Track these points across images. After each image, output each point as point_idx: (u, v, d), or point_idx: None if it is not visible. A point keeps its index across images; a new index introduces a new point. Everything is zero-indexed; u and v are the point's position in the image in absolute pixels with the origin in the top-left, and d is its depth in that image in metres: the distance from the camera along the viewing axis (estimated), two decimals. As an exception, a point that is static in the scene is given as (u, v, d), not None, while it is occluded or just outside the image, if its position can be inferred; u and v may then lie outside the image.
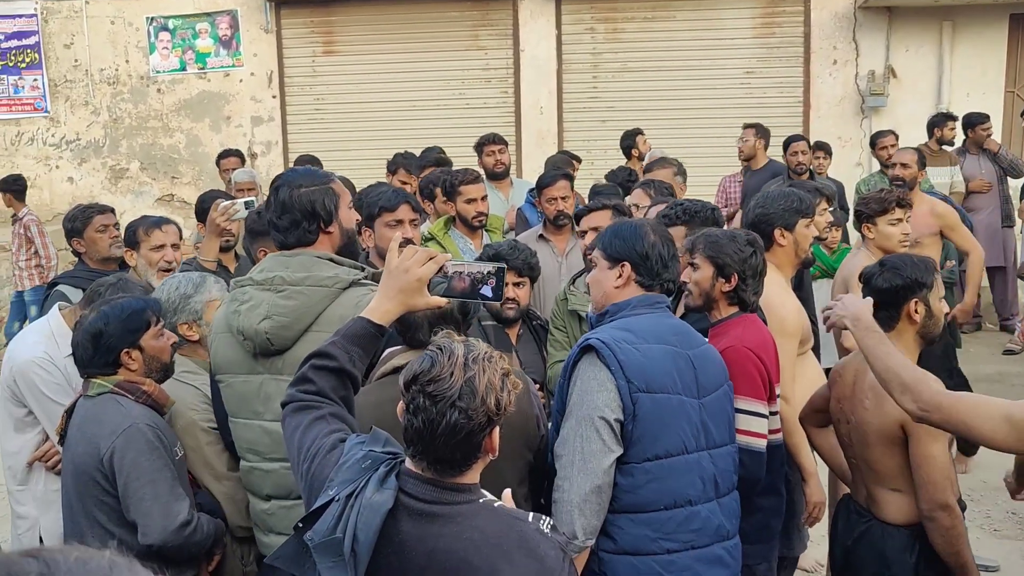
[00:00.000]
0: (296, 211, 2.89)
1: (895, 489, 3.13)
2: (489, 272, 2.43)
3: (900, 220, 4.48)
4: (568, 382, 2.81)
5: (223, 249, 4.80)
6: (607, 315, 2.93)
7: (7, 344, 9.18)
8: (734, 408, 3.05)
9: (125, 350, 3.08)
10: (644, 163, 7.59)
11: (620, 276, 2.93)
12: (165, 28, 11.75)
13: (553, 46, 11.38)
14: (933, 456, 2.96)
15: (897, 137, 8.73)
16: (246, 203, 4.44)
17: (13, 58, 11.82)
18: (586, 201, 6.12)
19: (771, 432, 3.30)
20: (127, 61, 11.84)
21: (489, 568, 1.93)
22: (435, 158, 7.51)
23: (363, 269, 2.94)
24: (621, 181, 6.94)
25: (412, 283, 2.39)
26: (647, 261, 2.90)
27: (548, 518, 2.07)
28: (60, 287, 4.44)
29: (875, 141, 8.94)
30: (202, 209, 5.15)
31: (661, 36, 11.27)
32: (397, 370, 2.75)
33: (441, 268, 2.43)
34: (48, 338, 3.76)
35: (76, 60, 11.85)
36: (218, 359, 3.04)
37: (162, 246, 4.38)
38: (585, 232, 4.30)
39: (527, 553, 1.95)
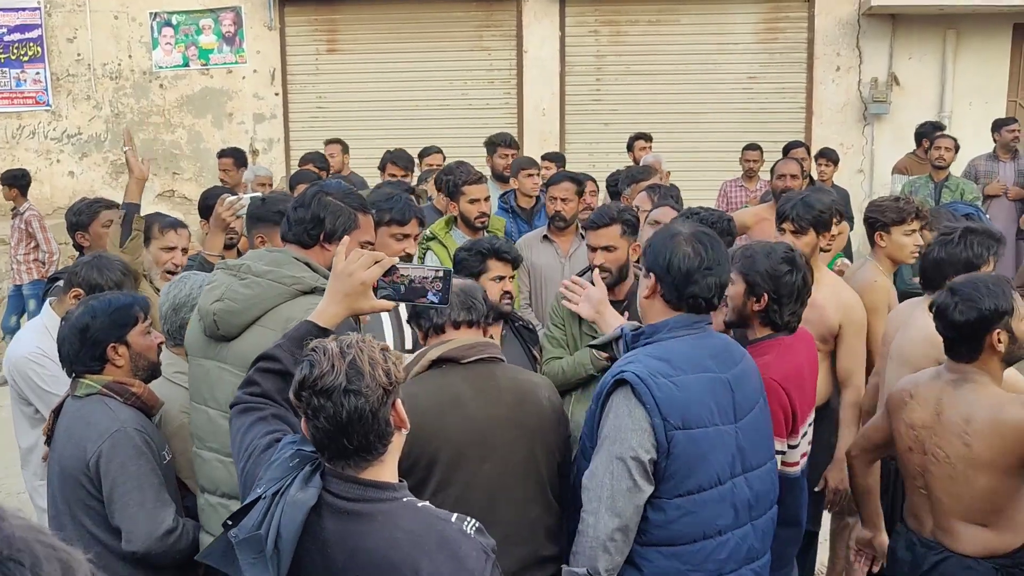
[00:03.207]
0: (309, 211, 2.90)
1: (980, 524, 3.00)
2: (436, 276, 2.42)
3: (914, 231, 4.35)
4: (600, 411, 2.72)
5: (226, 246, 4.78)
6: (643, 336, 2.79)
7: (3, 338, 9.21)
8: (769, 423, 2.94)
9: (112, 344, 3.05)
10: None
11: (648, 287, 2.81)
12: (168, 24, 11.74)
13: (556, 48, 11.38)
14: None
15: (957, 146, 8.27)
16: (252, 198, 4.42)
17: (16, 51, 11.81)
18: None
19: (789, 464, 3.18)
20: (130, 56, 11.83)
21: (409, 565, 1.94)
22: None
23: None
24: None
25: (356, 287, 2.40)
26: (669, 275, 2.73)
27: (474, 520, 2.06)
28: (60, 282, 4.43)
29: (933, 140, 8.34)
30: (206, 206, 5.12)
31: (665, 40, 11.26)
32: (436, 363, 2.79)
33: (389, 271, 2.42)
34: (41, 332, 3.79)
35: (79, 54, 11.84)
36: (187, 339, 3.08)
37: (173, 248, 4.36)
38: (596, 249, 4.15)
39: (448, 552, 1.97)
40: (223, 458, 2.89)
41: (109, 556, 2.92)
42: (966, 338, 2.95)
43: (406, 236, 3.89)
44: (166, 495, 3.00)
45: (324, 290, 2.81)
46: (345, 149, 9.06)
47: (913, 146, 9.21)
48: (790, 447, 3.18)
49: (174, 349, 3.45)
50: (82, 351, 3.04)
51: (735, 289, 3.20)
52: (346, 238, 2.60)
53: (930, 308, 3.09)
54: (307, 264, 2.88)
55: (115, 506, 2.93)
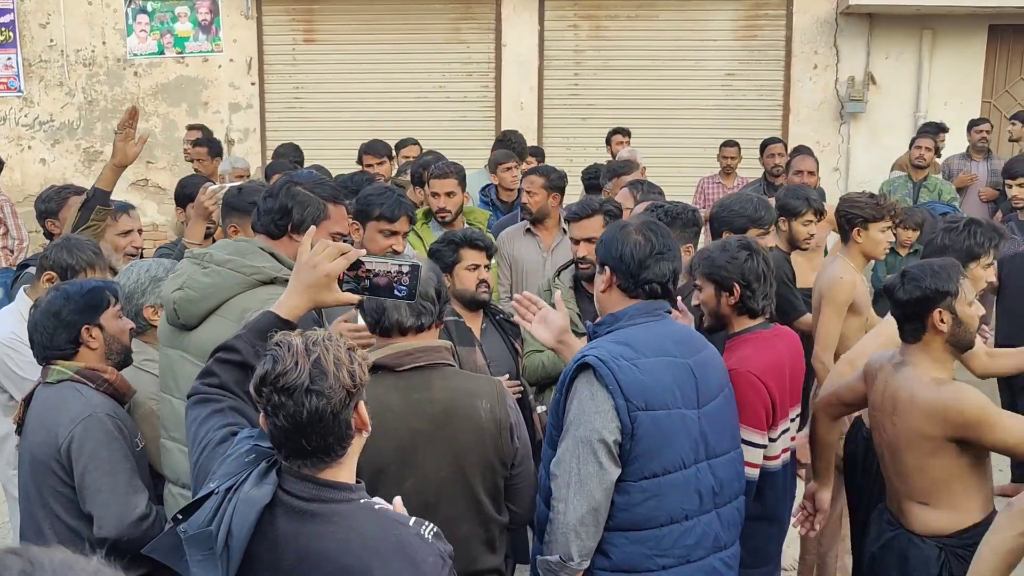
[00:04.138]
0: (277, 201, 2.89)
1: (923, 503, 3.10)
2: (402, 271, 2.37)
3: (888, 229, 4.48)
4: (564, 398, 2.75)
5: (204, 235, 4.74)
6: (603, 325, 2.85)
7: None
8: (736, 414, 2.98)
9: (86, 326, 3.03)
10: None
11: (604, 280, 2.88)
12: (143, 11, 11.59)
13: (535, 42, 11.34)
14: (1010, 427, 2.91)
15: (938, 147, 8.34)
16: (235, 187, 4.39)
17: (-13, 36, 11.62)
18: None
19: (770, 458, 3.21)
20: (104, 43, 11.67)
21: (362, 569, 1.90)
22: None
23: None
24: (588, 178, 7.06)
25: (320, 279, 2.34)
26: (623, 265, 2.81)
27: (432, 525, 2.03)
28: (31, 269, 4.37)
29: (916, 140, 8.47)
30: (183, 194, 5.08)
31: (644, 35, 11.26)
32: (373, 369, 2.70)
33: (355, 264, 2.37)
34: (16, 319, 3.76)
35: (52, 40, 11.66)
36: (159, 328, 3.07)
37: (129, 231, 4.36)
38: (578, 241, 4.17)
39: (404, 557, 1.92)
40: (185, 448, 2.86)
41: (80, 544, 2.87)
42: (910, 317, 3.10)
43: (394, 233, 3.85)
44: (138, 481, 2.98)
45: (285, 281, 2.77)
46: (210, 146, 8.96)
47: (891, 145, 9.29)
48: (771, 440, 3.20)
49: (139, 336, 3.43)
50: (56, 334, 3.02)
51: (706, 293, 3.28)
52: (312, 228, 2.53)
53: (884, 290, 3.23)
54: (272, 254, 2.86)
55: (86, 492, 2.90)
